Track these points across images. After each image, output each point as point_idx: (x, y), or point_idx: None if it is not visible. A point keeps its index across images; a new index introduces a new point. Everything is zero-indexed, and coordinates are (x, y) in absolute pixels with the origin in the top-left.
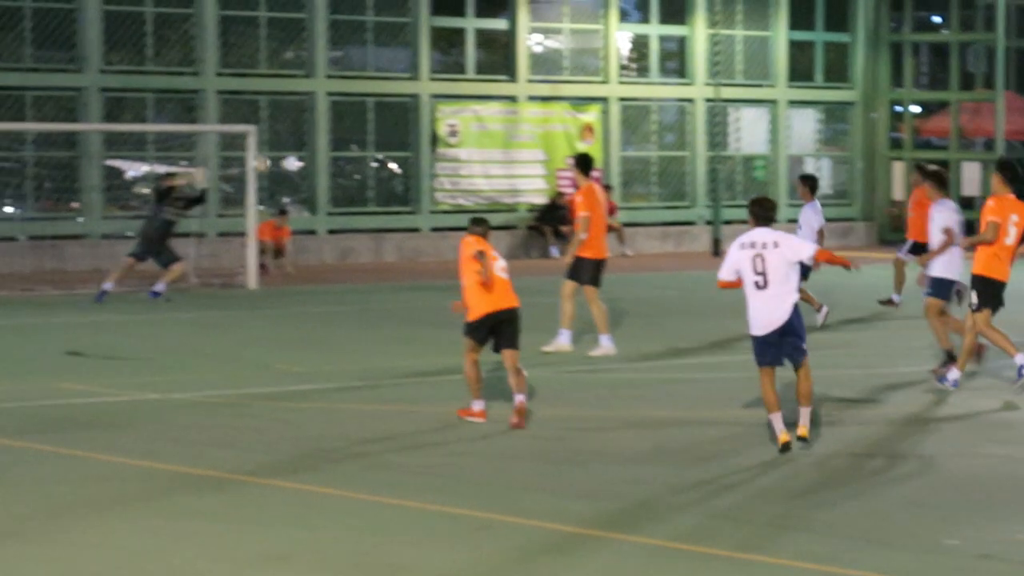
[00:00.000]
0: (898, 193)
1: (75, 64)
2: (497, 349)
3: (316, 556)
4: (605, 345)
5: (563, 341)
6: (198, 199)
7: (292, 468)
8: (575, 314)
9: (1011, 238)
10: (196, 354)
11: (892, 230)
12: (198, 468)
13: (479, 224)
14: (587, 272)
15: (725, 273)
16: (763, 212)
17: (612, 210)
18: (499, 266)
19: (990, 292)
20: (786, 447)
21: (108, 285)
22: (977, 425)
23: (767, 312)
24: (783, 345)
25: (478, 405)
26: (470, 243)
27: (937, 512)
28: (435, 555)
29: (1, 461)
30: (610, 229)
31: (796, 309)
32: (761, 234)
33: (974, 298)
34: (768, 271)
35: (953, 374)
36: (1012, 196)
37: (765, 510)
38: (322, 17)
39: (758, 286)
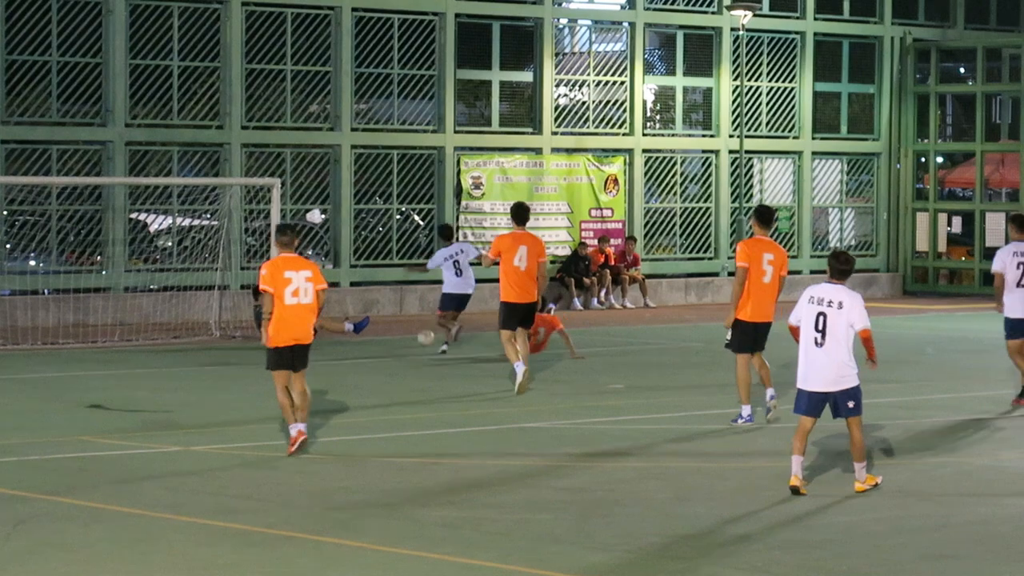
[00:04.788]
0: (922, 244)
1: (100, 118)
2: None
3: None
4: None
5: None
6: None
7: (313, 520)
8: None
9: (768, 277)
10: (217, 406)
11: (915, 280)
12: (218, 520)
13: (285, 232)
14: (500, 316)
15: (793, 319)
16: (838, 265)
17: (636, 262)
18: (291, 290)
19: (745, 335)
20: (794, 490)
21: None
22: (996, 472)
23: (820, 370)
24: (833, 403)
25: (295, 428)
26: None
27: (959, 564)
28: None
29: (22, 514)
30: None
31: (852, 372)
32: (830, 291)
33: (728, 338)
34: (828, 331)
35: (746, 410)
36: (766, 238)
37: (787, 560)
38: (347, 71)
39: (816, 343)
